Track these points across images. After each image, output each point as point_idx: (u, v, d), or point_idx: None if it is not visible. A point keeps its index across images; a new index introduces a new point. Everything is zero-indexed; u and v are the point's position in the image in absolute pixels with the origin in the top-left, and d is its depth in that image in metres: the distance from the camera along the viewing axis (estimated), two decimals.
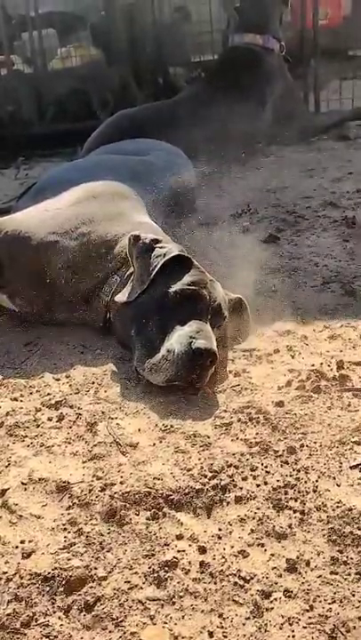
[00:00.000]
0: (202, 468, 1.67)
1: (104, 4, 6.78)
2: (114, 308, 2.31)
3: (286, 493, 1.58)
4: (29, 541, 1.49)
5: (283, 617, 1.28)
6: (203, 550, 1.44)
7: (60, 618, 1.31)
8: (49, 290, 2.44)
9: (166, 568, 1.39)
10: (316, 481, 1.61)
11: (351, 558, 1.39)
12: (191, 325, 2.02)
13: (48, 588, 1.37)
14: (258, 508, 1.54)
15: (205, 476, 1.64)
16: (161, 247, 2.22)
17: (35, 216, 2.60)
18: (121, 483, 1.64)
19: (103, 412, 1.95)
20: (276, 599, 1.31)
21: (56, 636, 1.27)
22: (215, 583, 1.36)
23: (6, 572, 1.41)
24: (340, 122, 5.55)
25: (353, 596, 1.30)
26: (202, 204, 3.74)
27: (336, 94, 5.88)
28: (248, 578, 1.36)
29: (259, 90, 4.97)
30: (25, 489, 1.65)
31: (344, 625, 1.25)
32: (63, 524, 1.53)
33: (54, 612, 1.32)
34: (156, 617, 1.29)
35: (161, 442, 1.80)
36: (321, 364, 2.12)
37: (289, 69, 5.41)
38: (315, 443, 1.75)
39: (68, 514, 1.56)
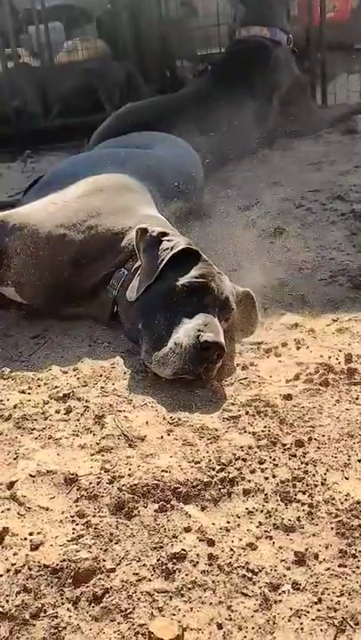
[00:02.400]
0: (210, 460, 1.67)
1: None
2: (121, 301, 2.31)
3: (295, 486, 1.57)
4: (38, 533, 1.49)
5: (291, 609, 1.28)
6: (211, 543, 1.44)
7: (68, 609, 1.31)
8: (56, 283, 2.44)
9: (174, 560, 1.39)
10: (325, 474, 1.61)
11: (360, 551, 1.39)
12: (199, 318, 2.02)
13: (56, 580, 1.37)
14: (266, 501, 1.54)
15: (213, 469, 1.64)
16: (168, 240, 2.22)
17: (42, 209, 2.59)
18: (129, 475, 1.63)
19: (111, 405, 1.95)
20: (284, 592, 1.31)
21: (65, 628, 1.28)
22: (223, 575, 1.36)
23: (15, 564, 1.41)
24: (348, 115, 5.52)
25: None
26: (209, 196, 3.73)
27: (343, 87, 5.86)
28: (256, 570, 1.36)
29: (266, 82, 4.95)
30: (33, 481, 1.65)
31: (353, 617, 1.25)
32: (71, 516, 1.53)
33: (63, 604, 1.33)
34: (165, 609, 1.30)
35: (169, 434, 1.80)
36: (329, 357, 2.12)
37: (296, 62, 5.39)
38: (323, 436, 1.74)
39: (77, 506, 1.56)
